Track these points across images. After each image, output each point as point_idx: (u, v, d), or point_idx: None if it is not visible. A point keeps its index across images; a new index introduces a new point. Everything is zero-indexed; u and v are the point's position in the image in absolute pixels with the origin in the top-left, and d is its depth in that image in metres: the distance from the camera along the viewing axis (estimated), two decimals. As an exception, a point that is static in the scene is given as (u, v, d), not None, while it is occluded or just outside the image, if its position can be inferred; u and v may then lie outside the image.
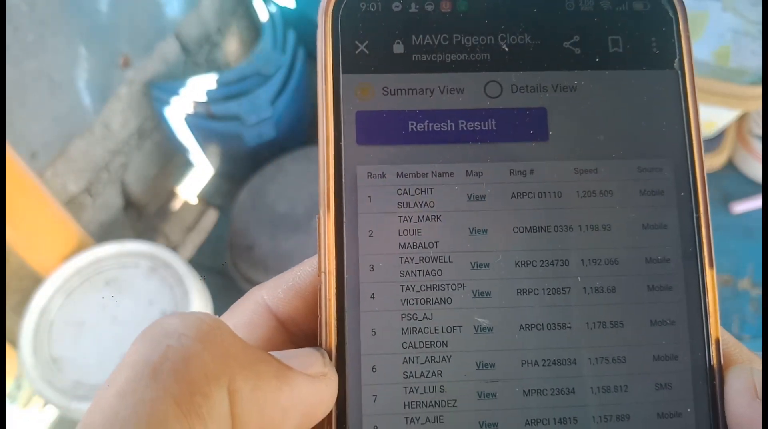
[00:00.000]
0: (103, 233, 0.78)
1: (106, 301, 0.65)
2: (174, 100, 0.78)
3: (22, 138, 0.64)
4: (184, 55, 0.85)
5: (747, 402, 0.14)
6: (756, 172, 0.66)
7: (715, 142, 0.60)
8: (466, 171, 0.17)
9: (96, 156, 0.75)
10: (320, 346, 0.16)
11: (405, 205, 0.17)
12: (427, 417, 0.16)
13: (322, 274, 0.16)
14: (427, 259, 0.16)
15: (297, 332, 0.17)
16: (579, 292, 0.16)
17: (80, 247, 0.68)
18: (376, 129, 0.17)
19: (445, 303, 0.16)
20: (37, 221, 0.64)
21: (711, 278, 0.17)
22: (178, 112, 0.78)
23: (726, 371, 0.16)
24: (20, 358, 0.62)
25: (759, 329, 0.58)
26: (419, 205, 0.17)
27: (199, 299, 0.64)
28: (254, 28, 0.97)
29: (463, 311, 0.16)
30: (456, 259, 0.16)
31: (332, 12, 0.17)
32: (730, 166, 0.67)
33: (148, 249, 0.67)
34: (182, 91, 0.78)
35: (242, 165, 0.85)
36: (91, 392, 0.60)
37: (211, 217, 0.90)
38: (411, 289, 0.16)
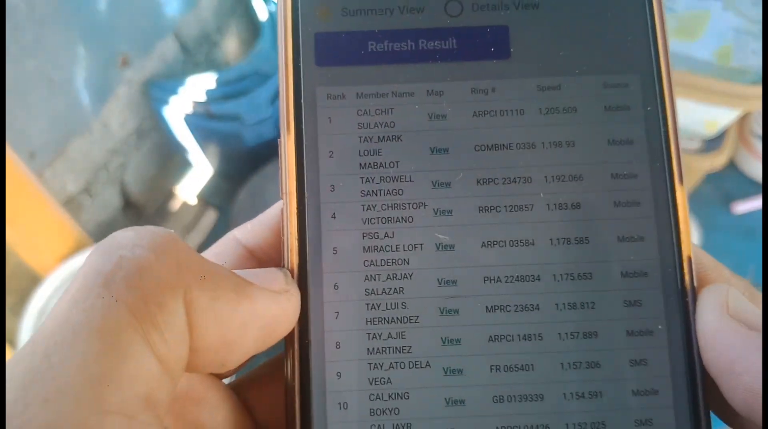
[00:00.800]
0: (102, 233, 0.78)
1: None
2: (173, 99, 0.77)
3: (21, 138, 0.64)
4: (183, 55, 0.85)
5: (717, 317, 0.14)
6: (757, 171, 0.65)
7: (716, 141, 0.60)
8: (427, 90, 0.17)
9: (95, 156, 0.75)
10: (283, 266, 0.16)
11: (365, 126, 0.17)
12: (389, 333, 0.16)
13: (284, 196, 0.16)
14: (387, 179, 0.16)
15: (267, 261, 0.17)
16: (542, 209, 0.16)
17: (79, 247, 0.68)
18: (335, 50, 0.17)
19: (406, 222, 0.16)
20: (36, 221, 0.63)
21: (681, 195, 0.16)
22: (177, 111, 0.78)
23: (700, 290, 0.16)
24: (19, 359, 0.62)
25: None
26: (379, 126, 0.17)
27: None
28: (253, 27, 0.96)
29: (425, 229, 0.16)
30: (417, 178, 0.16)
31: None
32: (732, 166, 0.67)
33: (147, 249, 0.67)
34: (181, 90, 0.78)
35: (241, 165, 0.85)
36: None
37: (211, 217, 0.90)
38: (372, 208, 0.16)
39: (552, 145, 0.17)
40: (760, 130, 0.63)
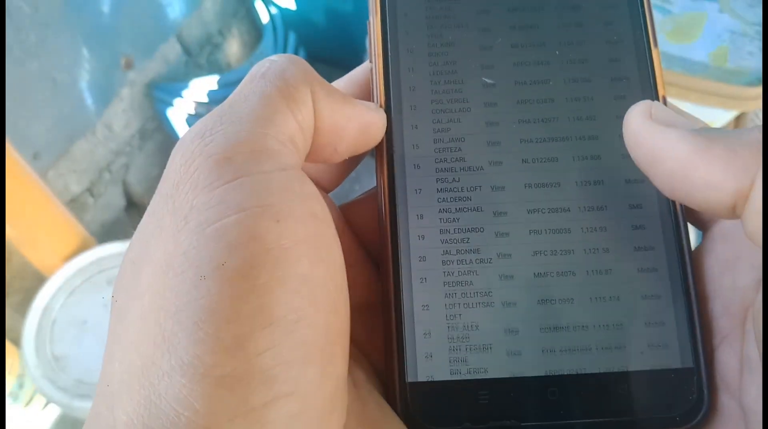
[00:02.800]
0: (105, 233, 0.79)
1: (107, 300, 0.65)
2: (176, 101, 0.78)
3: (25, 139, 0.64)
4: (186, 57, 0.86)
5: (641, 122, 0.16)
6: (754, 172, 0.66)
7: (712, 142, 0.61)
8: None
9: (98, 156, 0.76)
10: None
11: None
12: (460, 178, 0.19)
13: (373, 57, 0.20)
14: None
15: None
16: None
17: (82, 247, 0.69)
18: None
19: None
20: (40, 221, 0.64)
21: (656, 56, 0.20)
22: (179, 113, 0.79)
23: None
24: (23, 357, 0.62)
25: (757, 329, 0.58)
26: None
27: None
28: (255, 29, 0.97)
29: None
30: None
31: None
32: (729, 166, 0.68)
33: (149, 249, 0.67)
34: (184, 92, 0.78)
35: (243, 165, 0.85)
36: (92, 391, 0.60)
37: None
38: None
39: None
40: (756, 131, 0.64)
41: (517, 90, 0.20)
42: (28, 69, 0.62)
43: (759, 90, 0.54)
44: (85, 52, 0.70)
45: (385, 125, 0.20)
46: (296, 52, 0.84)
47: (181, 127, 0.81)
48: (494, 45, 0.20)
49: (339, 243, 0.16)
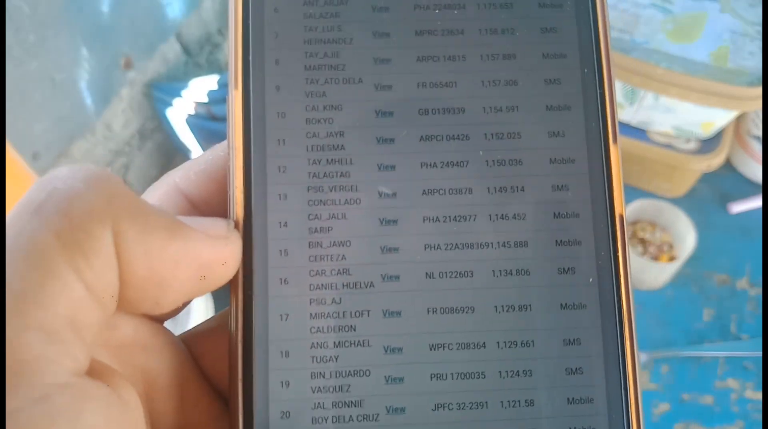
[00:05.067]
0: (105, 233, 0.79)
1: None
2: (175, 101, 0.78)
3: (24, 139, 0.64)
4: (186, 56, 0.86)
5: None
6: (754, 172, 0.66)
7: (713, 142, 0.61)
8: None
9: (98, 156, 0.76)
10: (229, 219, 0.16)
11: (312, 94, 0.17)
12: (333, 298, 0.16)
13: (231, 150, 0.16)
14: (333, 134, 0.17)
15: (210, 215, 0.16)
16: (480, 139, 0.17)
17: (82, 247, 0.68)
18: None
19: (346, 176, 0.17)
20: (39, 221, 0.64)
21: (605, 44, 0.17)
22: (179, 112, 0.78)
23: None
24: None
25: (757, 329, 0.58)
26: (328, 82, 0.17)
27: (199, 298, 0.65)
28: (255, 29, 0.97)
29: (367, 184, 0.17)
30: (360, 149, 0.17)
31: None
32: (729, 166, 0.68)
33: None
34: (184, 92, 0.78)
35: (243, 165, 0.85)
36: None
37: (212, 217, 0.91)
38: (318, 163, 0.16)
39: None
40: (756, 131, 0.64)
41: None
42: (27, 69, 0.62)
43: (759, 90, 0.54)
44: (84, 52, 0.69)
45: (239, 260, 0.15)
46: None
47: (180, 127, 0.81)
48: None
49: None
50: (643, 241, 0.60)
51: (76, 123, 0.71)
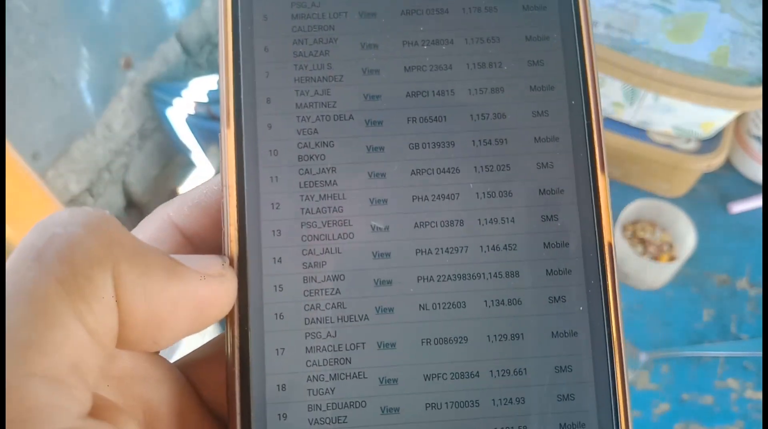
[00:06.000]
0: (105, 233, 0.78)
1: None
2: (175, 100, 0.78)
3: (24, 138, 0.64)
4: (186, 56, 0.86)
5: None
6: (754, 172, 0.66)
7: (713, 142, 0.61)
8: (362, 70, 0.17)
9: (97, 156, 0.76)
10: (223, 255, 0.16)
11: (303, 131, 0.17)
12: (329, 332, 0.16)
13: (224, 188, 0.16)
14: (325, 170, 0.17)
15: (204, 249, 0.17)
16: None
17: (82, 247, 0.68)
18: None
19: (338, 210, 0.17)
20: (39, 221, 0.64)
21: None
22: (179, 112, 0.78)
23: None
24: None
25: (757, 329, 0.58)
26: (320, 119, 0.17)
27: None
28: (255, 29, 0.97)
29: (359, 217, 0.17)
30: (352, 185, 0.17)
31: None
32: (729, 166, 0.68)
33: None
34: (183, 91, 0.78)
35: (243, 165, 0.85)
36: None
37: (212, 217, 0.91)
38: (310, 198, 0.17)
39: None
40: (756, 131, 0.64)
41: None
42: (27, 69, 0.62)
43: (759, 90, 0.54)
44: (84, 51, 0.69)
45: (234, 297, 0.15)
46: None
47: (180, 127, 0.81)
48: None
49: None
50: (643, 241, 0.60)
51: (76, 123, 0.71)
